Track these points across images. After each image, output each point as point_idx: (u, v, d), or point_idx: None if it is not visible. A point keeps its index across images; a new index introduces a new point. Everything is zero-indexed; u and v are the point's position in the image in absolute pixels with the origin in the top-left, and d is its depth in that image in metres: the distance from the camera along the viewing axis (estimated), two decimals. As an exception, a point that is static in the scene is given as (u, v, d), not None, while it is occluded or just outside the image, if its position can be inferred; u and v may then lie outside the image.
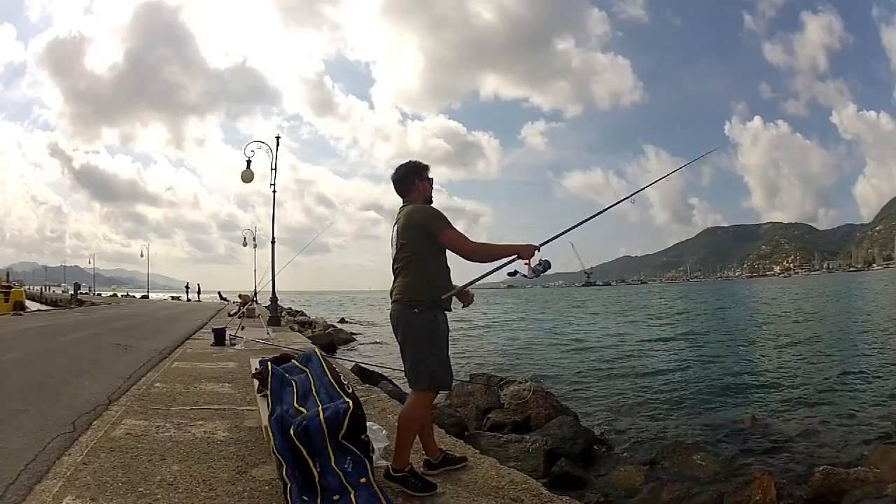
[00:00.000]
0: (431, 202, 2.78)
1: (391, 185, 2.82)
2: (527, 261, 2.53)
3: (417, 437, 2.76)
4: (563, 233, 2.74)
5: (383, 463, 2.95)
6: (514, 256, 2.56)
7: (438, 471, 2.86)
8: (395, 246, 2.70)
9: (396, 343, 2.72)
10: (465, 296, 2.76)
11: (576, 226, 2.78)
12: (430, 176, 2.81)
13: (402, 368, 2.74)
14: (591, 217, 2.87)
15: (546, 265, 2.52)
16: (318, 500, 2.30)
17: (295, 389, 3.37)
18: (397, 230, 2.69)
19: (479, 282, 2.77)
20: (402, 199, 2.81)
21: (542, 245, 2.56)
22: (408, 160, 2.84)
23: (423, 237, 2.60)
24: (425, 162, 2.82)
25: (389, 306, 2.70)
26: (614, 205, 3.09)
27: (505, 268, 2.61)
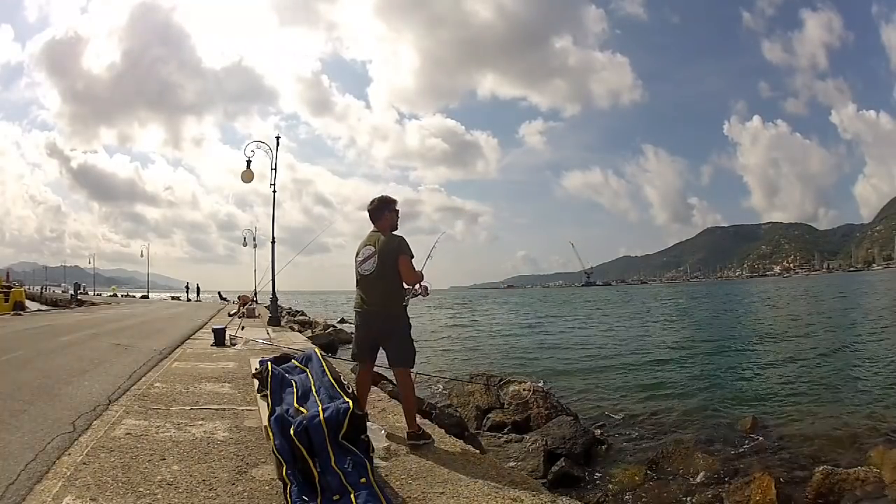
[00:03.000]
0: (396, 228, 3.58)
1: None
2: (421, 284, 3.52)
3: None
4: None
5: (383, 463, 2.96)
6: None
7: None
8: (374, 261, 3.45)
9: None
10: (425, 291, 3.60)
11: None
12: (397, 208, 3.63)
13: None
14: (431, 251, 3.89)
15: (426, 290, 3.55)
16: (318, 500, 2.30)
17: (295, 389, 3.38)
18: (379, 252, 3.44)
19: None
20: (372, 225, 3.59)
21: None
22: (381, 195, 3.67)
23: (396, 258, 3.40)
24: (395, 197, 3.69)
25: (364, 309, 3.48)
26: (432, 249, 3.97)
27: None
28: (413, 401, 3.54)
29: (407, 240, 3.49)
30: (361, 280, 3.50)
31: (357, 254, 3.56)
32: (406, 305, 3.47)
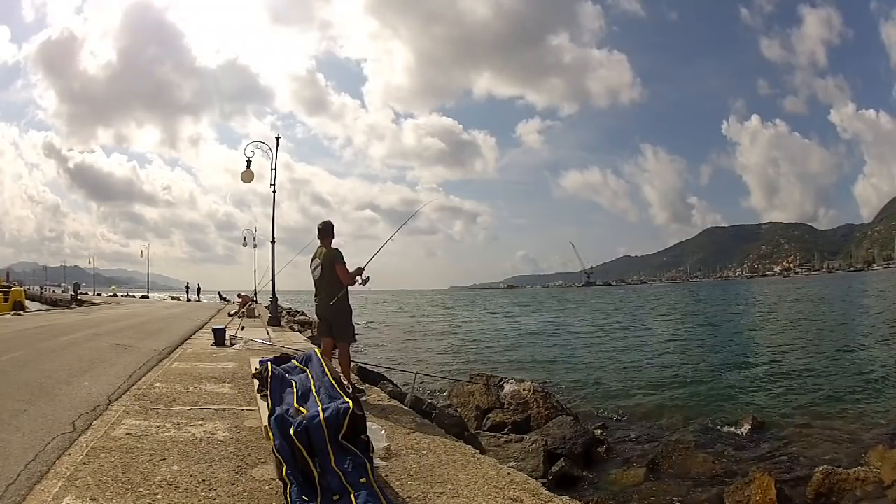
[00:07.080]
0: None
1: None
2: (359, 277, 4.81)
3: None
4: (369, 260, 5.10)
5: (383, 463, 2.96)
6: (357, 276, 4.80)
7: None
8: (319, 268, 4.82)
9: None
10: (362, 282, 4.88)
11: (372, 257, 5.16)
12: (336, 230, 5.05)
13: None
14: (378, 250, 5.27)
15: (366, 280, 4.83)
16: (318, 500, 2.30)
17: (295, 389, 3.38)
18: (322, 262, 4.81)
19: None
20: (320, 242, 4.91)
21: (364, 266, 4.90)
22: (328, 220, 4.98)
23: (334, 266, 4.74)
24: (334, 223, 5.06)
25: (316, 302, 4.93)
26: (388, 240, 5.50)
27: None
28: (349, 367, 4.96)
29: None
30: (315, 282, 4.90)
31: (311, 264, 4.98)
32: (346, 297, 4.79)
